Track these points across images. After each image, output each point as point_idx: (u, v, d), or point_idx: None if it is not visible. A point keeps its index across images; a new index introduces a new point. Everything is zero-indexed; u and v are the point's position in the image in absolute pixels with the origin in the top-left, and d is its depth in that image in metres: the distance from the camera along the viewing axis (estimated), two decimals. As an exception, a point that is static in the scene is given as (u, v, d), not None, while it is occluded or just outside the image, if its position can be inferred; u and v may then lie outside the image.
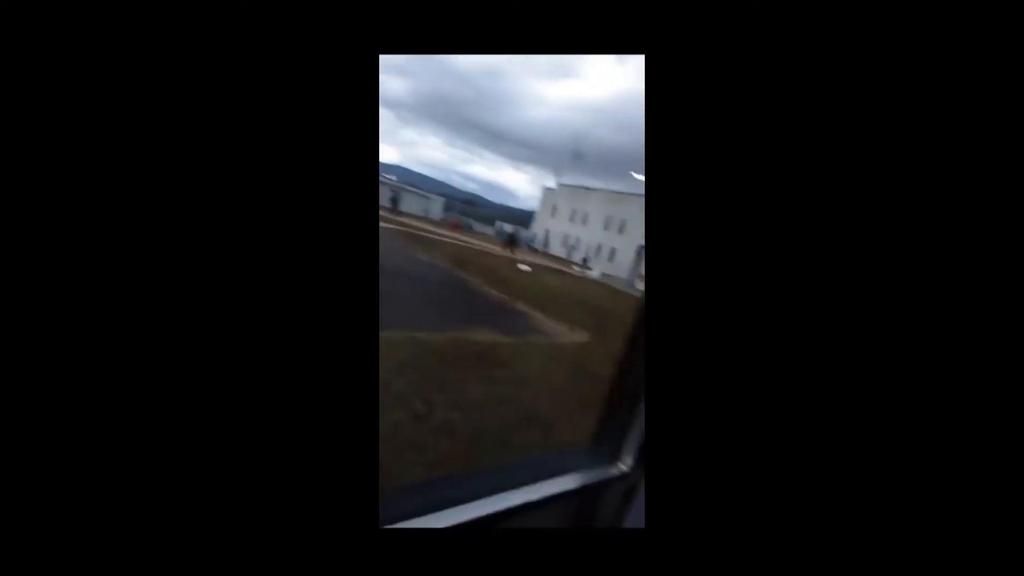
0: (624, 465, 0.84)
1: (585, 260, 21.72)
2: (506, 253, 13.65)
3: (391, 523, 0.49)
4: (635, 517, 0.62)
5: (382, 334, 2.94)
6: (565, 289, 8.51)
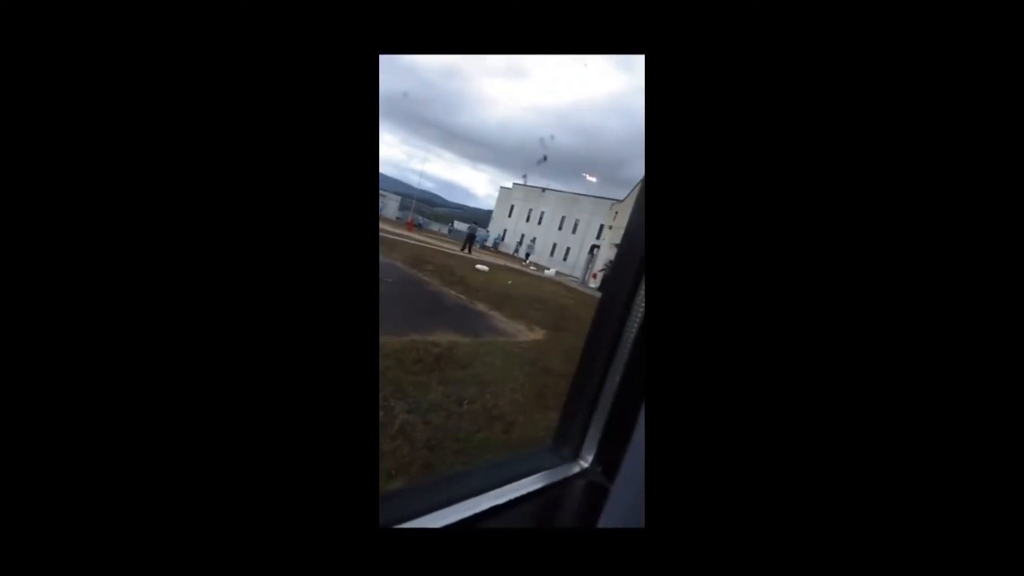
0: (584, 462, 0.87)
1: (527, 255, 22.26)
2: (463, 253, 13.56)
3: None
4: (605, 516, 0.64)
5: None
6: (522, 288, 8.61)
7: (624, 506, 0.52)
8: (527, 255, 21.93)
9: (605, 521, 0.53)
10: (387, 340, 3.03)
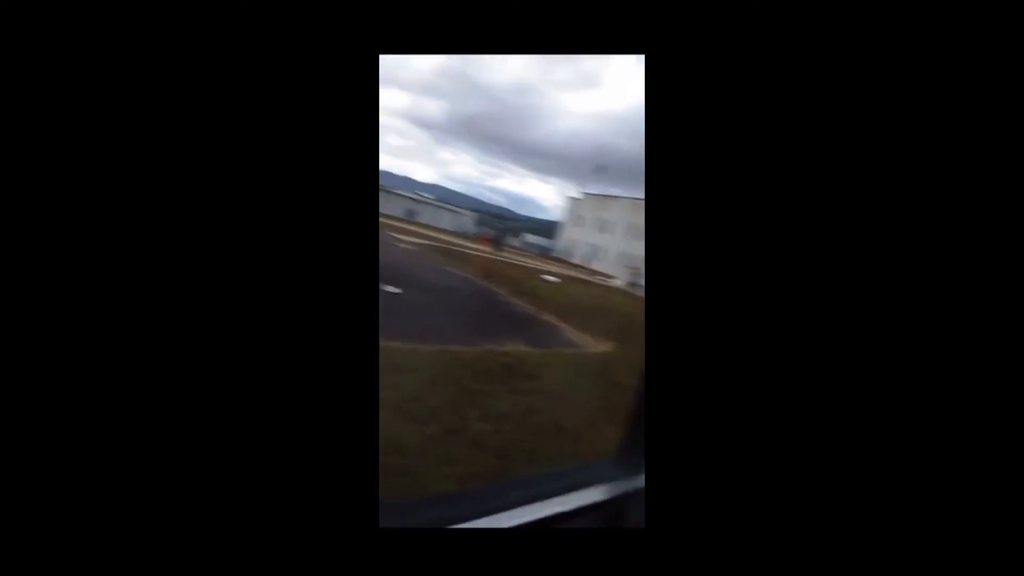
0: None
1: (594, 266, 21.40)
2: (495, 252, 13.47)
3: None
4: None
5: (416, 347, 3.04)
6: (590, 299, 8.45)
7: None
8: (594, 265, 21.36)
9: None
10: (460, 349, 3.20)
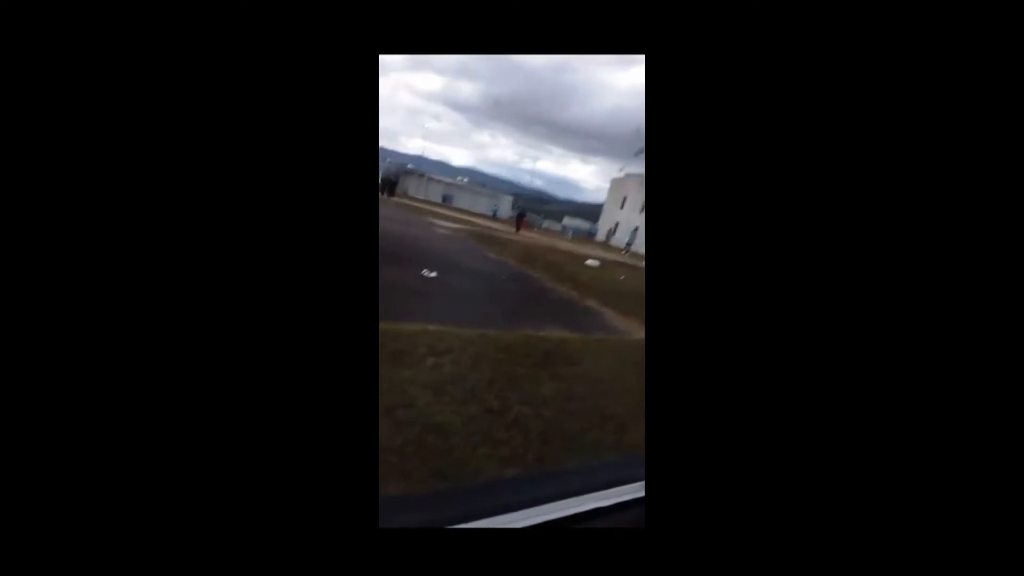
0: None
1: (628, 245, 20.70)
2: (534, 236, 13.32)
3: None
4: None
5: (456, 330, 3.07)
6: (634, 284, 8.17)
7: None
8: (627, 246, 20.68)
9: None
10: (500, 334, 3.18)
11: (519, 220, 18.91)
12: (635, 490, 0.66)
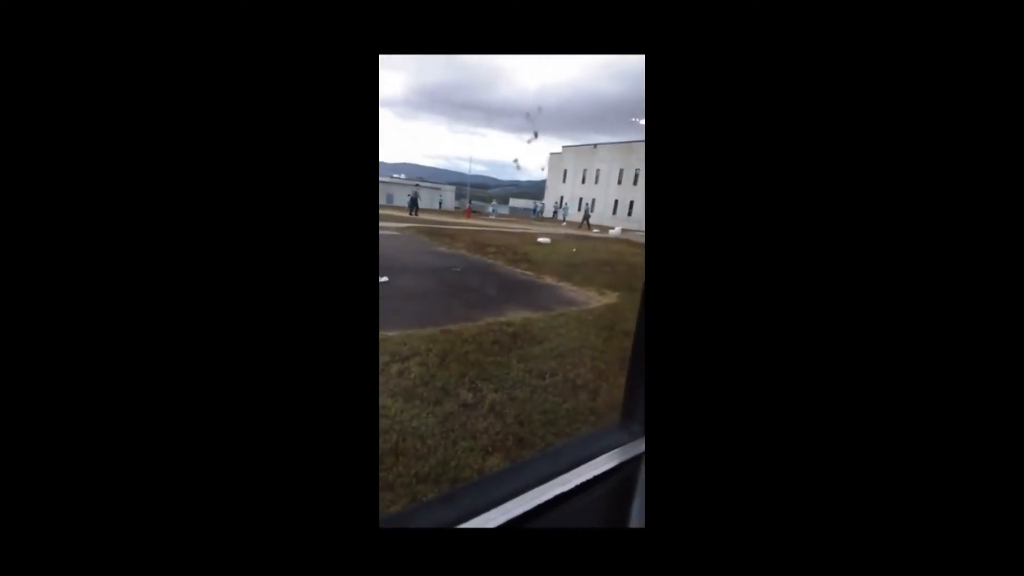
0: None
1: (586, 217, 21.13)
2: (481, 223, 13.37)
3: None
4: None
5: (419, 331, 3.02)
6: (587, 254, 8.39)
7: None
8: (585, 218, 21.08)
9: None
10: (463, 327, 3.18)
11: (467, 209, 18.63)
12: (610, 459, 0.68)
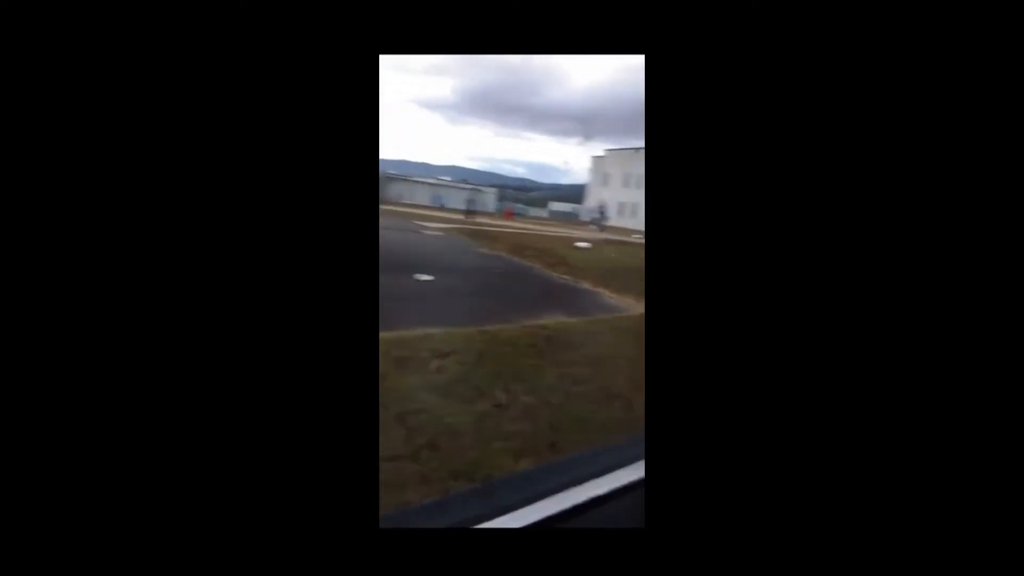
0: None
1: (602, 214, 20.48)
2: (521, 225, 13.28)
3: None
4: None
5: (458, 330, 3.09)
6: (625, 260, 8.20)
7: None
8: (601, 214, 20.44)
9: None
10: (500, 328, 3.22)
11: (508, 211, 18.69)
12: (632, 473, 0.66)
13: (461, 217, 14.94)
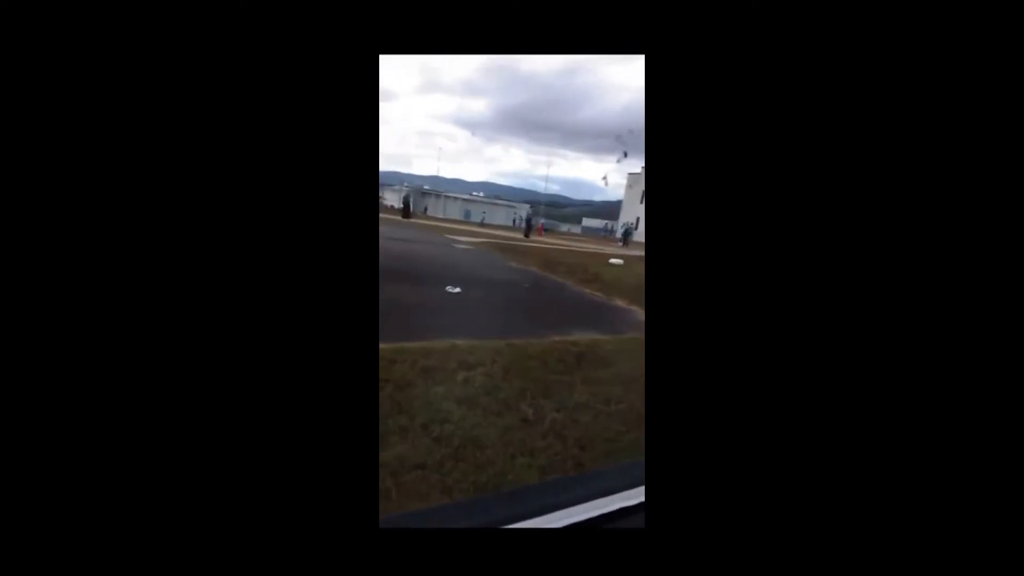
0: None
1: (627, 231, 20.01)
2: (553, 241, 13.24)
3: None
4: None
5: (486, 343, 3.09)
6: (664, 278, 7.94)
7: None
8: (626, 232, 20.02)
9: None
10: (529, 341, 3.18)
11: (540, 227, 18.88)
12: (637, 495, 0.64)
13: (496, 232, 15.18)
